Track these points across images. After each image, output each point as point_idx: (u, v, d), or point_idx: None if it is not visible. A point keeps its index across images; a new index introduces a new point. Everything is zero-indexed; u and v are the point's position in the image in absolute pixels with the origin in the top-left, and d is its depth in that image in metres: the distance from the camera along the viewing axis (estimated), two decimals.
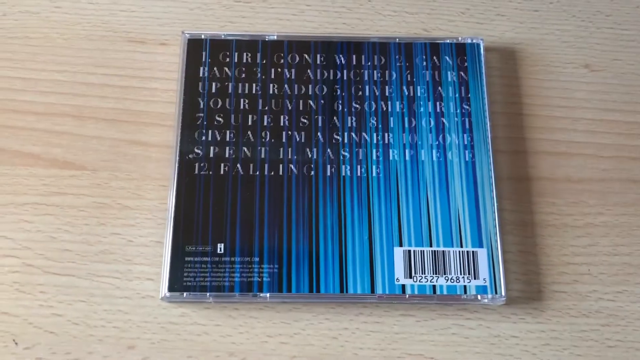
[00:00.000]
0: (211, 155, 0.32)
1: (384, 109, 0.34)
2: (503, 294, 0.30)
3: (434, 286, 0.30)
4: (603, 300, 0.31)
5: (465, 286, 0.30)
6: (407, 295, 0.30)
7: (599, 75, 0.36)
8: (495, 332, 0.30)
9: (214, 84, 0.34)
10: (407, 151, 0.33)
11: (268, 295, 0.30)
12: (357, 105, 0.34)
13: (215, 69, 0.34)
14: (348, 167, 0.32)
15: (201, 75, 0.34)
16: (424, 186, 0.32)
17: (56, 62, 0.35)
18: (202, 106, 0.33)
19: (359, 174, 0.32)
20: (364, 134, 0.33)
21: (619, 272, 0.31)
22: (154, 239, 0.31)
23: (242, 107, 0.33)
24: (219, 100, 0.33)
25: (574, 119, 0.35)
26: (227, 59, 0.34)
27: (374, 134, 0.33)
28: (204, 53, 0.34)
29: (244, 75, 0.34)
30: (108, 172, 0.33)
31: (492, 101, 0.34)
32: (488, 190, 0.32)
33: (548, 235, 0.32)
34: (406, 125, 0.33)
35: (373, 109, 0.34)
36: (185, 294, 0.30)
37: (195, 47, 0.34)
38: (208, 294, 0.30)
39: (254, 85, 0.34)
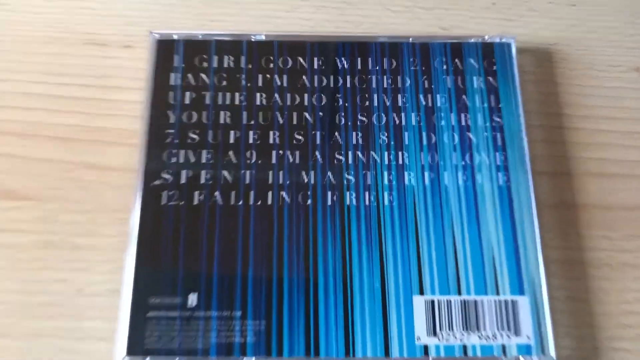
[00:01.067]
0: (183, 181, 0.26)
1: (397, 122, 0.28)
2: (552, 354, 0.24)
3: (465, 346, 0.24)
4: None
5: (504, 345, 0.24)
6: (431, 359, 0.24)
7: None
8: None
9: (187, 94, 0.28)
10: (426, 174, 0.27)
11: (253, 359, 0.24)
12: (364, 118, 0.28)
13: (189, 75, 0.28)
14: (354, 195, 0.26)
15: (172, 83, 0.28)
16: (448, 217, 0.26)
17: None
18: (172, 121, 0.27)
19: (367, 203, 0.26)
20: (372, 153, 0.27)
21: None
22: (110, 287, 0.26)
23: (222, 121, 0.28)
24: (194, 113, 0.28)
25: (624, 132, 0.29)
26: (205, 64, 0.29)
27: (385, 153, 0.27)
28: (176, 57, 0.29)
29: (224, 83, 0.28)
30: (56, 203, 0.27)
31: (527, 111, 0.29)
32: (528, 222, 0.26)
33: (603, 277, 0.26)
34: (424, 142, 0.27)
35: (383, 122, 0.28)
36: (148, 358, 0.23)
37: (165, 49, 0.29)
38: (177, 358, 0.24)
39: (237, 94, 0.28)
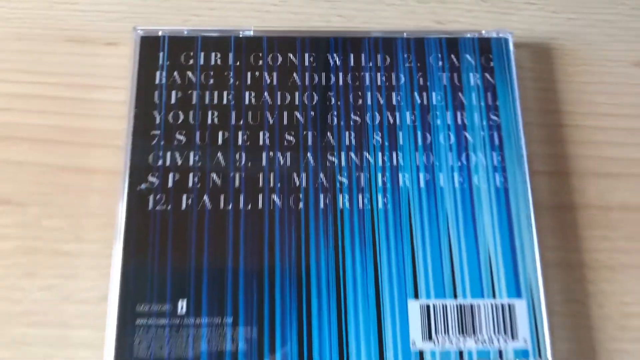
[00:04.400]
0: (170, 184, 0.26)
1: (391, 121, 0.28)
2: (549, 358, 0.24)
3: (461, 352, 0.24)
4: None
5: (500, 350, 0.25)
6: None
7: None
8: None
9: (173, 93, 0.28)
10: (421, 175, 0.27)
11: None
12: (357, 118, 0.28)
13: (175, 73, 0.28)
14: (347, 197, 0.27)
15: (157, 82, 0.28)
16: (444, 220, 0.26)
17: None
18: (158, 121, 0.27)
19: (360, 206, 0.26)
20: (366, 153, 0.27)
21: None
22: (97, 294, 0.26)
23: (209, 121, 0.28)
24: (180, 113, 0.28)
25: (625, 129, 0.30)
26: (191, 61, 0.29)
27: (379, 154, 0.27)
28: (161, 54, 0.29)
29: (212, 81, 0.28)
30: (39, 208, 0.27)
31: (525, 109, 0.29)
32: (526, 224, 0.26)
33: (602, 279, 0.27)
34: (419, 142, 0.28)
35: (377, 121, 0.28)
36: None
37: (150, 46, 0.29)
38: None
39: (225, 93, 0.28)
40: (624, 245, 0.28)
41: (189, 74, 0.29)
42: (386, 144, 0.28)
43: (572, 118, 0.30)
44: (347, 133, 0.28)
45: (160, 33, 0.29)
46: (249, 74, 0.29)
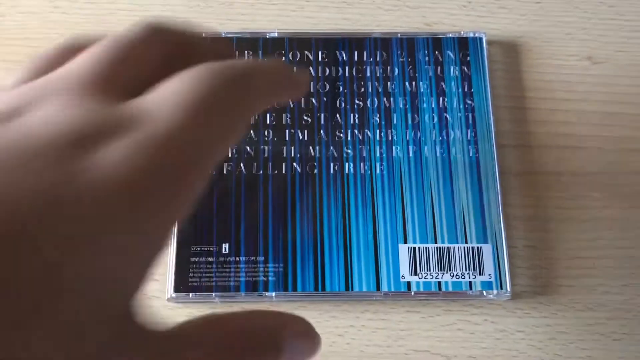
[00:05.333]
0: None
1: (387, 105, 0.35)
2: (508, 289, 0.32)
3: (439, 283, 0.32)
4: (609, 294, 0.32)
5: (470, 282, 0.32)
6: (413, 292, 0.32)
7: (602, 67, 0.37)
8: (500, 327, 0.32)
9: None
10: (410, 148, 0.34)
11: (274, 294, 0.31)
12: (360, 102, 0.35)
13: None
14: (352, 165, 0.34)
15: None
16: (427, 183, 0.34)
17: None
18: None
19: (362, 172, 0.34)
20: (367, 130, 0.35)
21: (624, 265, 0.33)
22: None
23: None
24: None
25: (576, 111, 0.36)
26: None
27: (377, 131, 0.35)
28: None
29: None
30: None
31: (495, 95, 0.36)
32: (492, 186, 0.33)
33: (553, 229, 0.34)
34: (409, 121, 0.35)
35: (376, 105, 0.35)
36: (191, 294, 0.31)
37: None
38: (214, 294, 0.31)
39: None
40: (571, 203, 0.35)
41: None
42: (383, 123, 0.35)
43: (534, 102, 0.37)
44: (352, 115, 0.35)
45: (203, 34, 0.36)
46: None
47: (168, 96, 0.14)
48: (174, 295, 0.31)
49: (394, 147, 0.34)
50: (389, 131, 0.35)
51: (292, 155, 0.34)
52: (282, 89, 0.18)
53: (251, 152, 0.34)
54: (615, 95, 0.37)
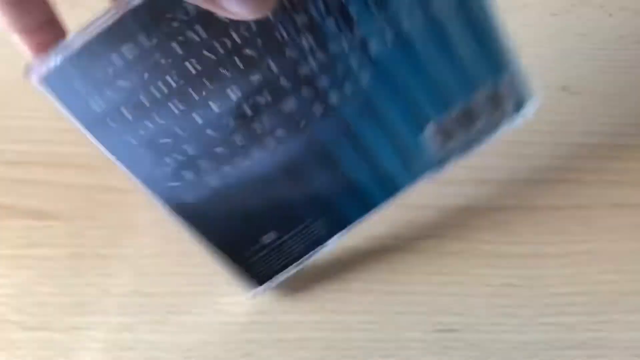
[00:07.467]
0: None
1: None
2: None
3: None
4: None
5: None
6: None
7: (577, 98, 0.37)
8: None
9: None
10: (387, 34, 0.26)
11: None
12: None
13: None
14: (336, 93, 0.27)
15: None
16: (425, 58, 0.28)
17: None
18: None
19: (349, 93, 0.28)
20: (329, 44, 0.26)
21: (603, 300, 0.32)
22: None
23: None
24: None
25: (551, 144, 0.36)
26: None
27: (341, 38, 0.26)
28: None
29: None
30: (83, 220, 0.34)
31: None
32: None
33: None
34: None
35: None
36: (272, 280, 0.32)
37: None
38: (292, 265, 0.32)
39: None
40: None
41: None
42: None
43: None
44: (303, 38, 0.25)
45: None
46: None
47: None
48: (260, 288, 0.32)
49: (368, 43, 0.26)
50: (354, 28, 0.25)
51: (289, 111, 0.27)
52: None
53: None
54: (591, 125, 0.36)
